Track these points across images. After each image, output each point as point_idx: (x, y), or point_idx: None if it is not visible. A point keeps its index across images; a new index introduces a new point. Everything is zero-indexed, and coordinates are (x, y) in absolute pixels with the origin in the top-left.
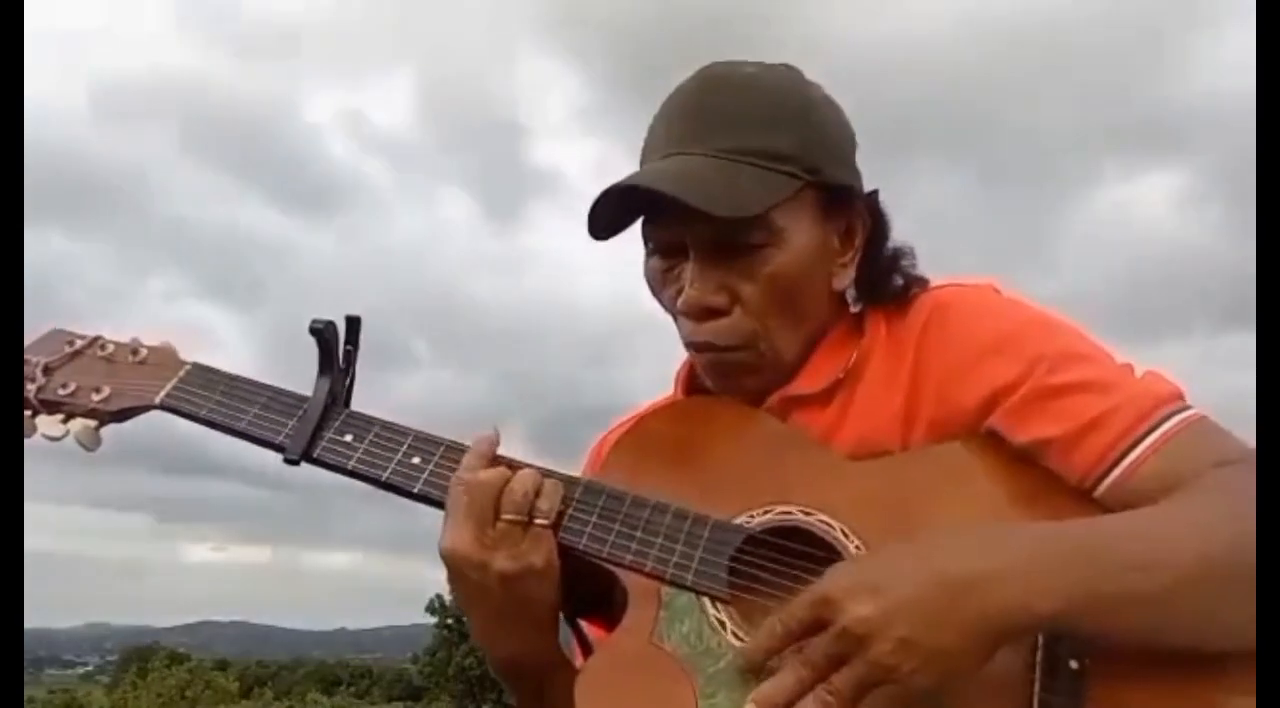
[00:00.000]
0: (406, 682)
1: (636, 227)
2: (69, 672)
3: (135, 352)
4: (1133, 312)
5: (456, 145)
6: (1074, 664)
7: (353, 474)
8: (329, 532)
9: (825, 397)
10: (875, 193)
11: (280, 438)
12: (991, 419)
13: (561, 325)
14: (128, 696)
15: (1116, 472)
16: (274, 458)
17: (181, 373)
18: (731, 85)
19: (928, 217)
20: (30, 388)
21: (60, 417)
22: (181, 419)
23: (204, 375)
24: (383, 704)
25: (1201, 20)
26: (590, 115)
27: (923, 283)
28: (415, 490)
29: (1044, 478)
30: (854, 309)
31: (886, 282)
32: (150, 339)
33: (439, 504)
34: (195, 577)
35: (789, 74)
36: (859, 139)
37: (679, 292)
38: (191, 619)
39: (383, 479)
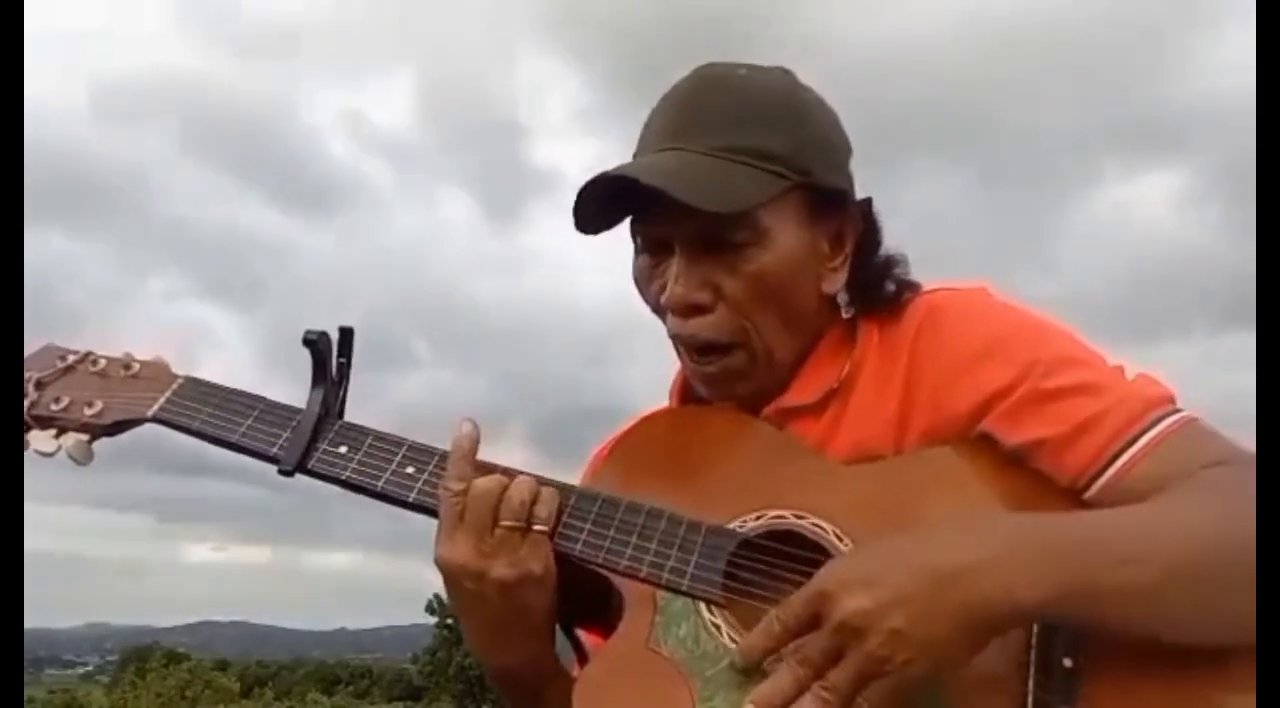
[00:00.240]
0: (406, 682)
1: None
2: (69, 672)
3: (128, 366)
4: (1133, 312)
5: (456, 145)
6: (1068, 663)
7: (347, 485)
8: (329, 532)
9: (819, 407)
10: (869, 200)
11: (274, 450)
12: (985, 422)
13: (561, 325)
14: (127, 696)
15: (1108, 473)
16: None
17: (174, 386)
18: (725, 85)
19: (928, 217)
20: (23, 404)
21: (53, 432)
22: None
23: (197, 388)
24: (383, 704)
25: (1201, 20)
26: (590, 115)
27: (915, 288)
28: (410, 500)
29: (1036, 480)
30: (846, 315)
31: (879, 288)
32: (143, 353)
33: (433, 513)
34: (195, 577)
35: (783, 77)
36: (859, 138)
37: (663, 287)
38: (191, 619)
39: (377, 489)
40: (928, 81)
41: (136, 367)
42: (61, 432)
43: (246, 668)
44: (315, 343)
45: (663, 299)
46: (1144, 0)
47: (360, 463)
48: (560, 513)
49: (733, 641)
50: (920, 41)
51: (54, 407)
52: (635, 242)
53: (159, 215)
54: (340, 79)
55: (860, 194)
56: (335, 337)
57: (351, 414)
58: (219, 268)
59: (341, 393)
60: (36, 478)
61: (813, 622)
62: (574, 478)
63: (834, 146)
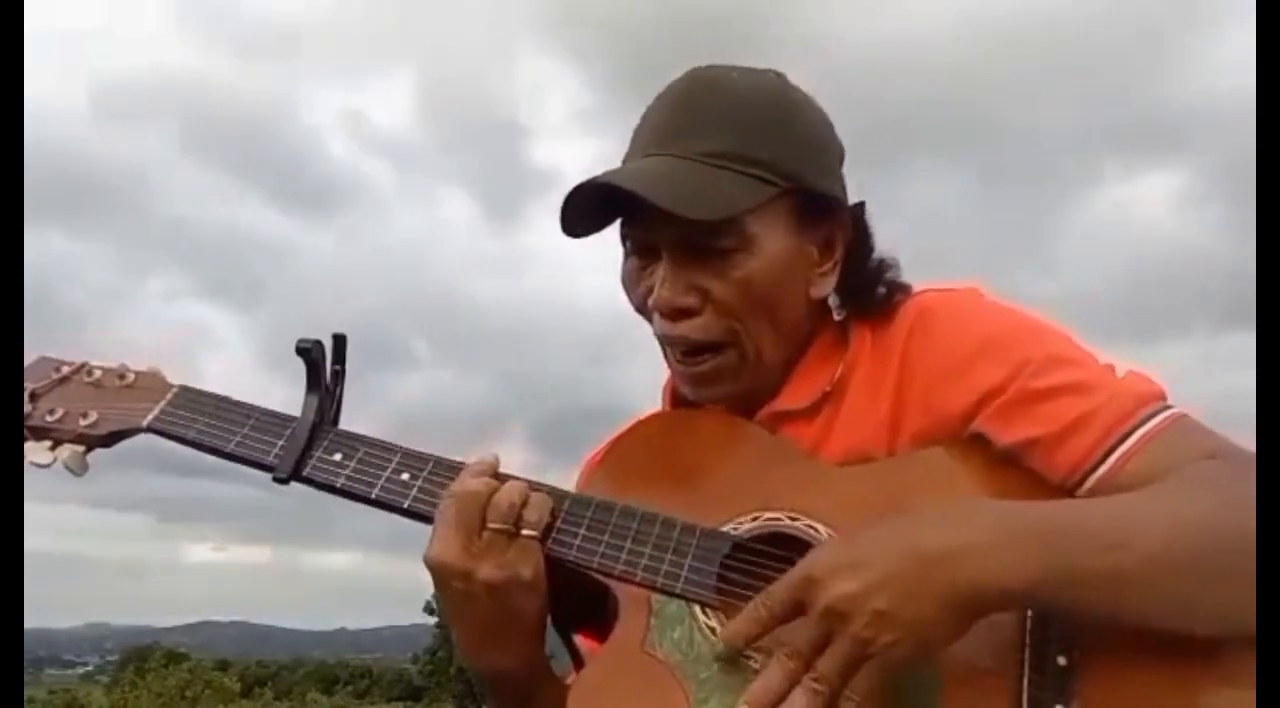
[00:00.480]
0: (406, 682)
1: None
2: (69, 672)
3: (122, 376)
4: (1133, 312)
5: (456, 145)
6: (1062, 660)
7: (342, 492)
8: (329, 532)
9: (812, 411)
10: (861, 205)
11: (269, 458)
12: (977, 422)
13: (561, 325)
14: (127, 696)
15: (1100, 471)
16: None
17: (169, 396)
18: (714, 89)
19: (928, 216)
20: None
21: (48, 443)
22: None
23: (192, 398)
24: (383, 704)
25: (1201, 20)
26: (590, 116)
27: (906, 289)
28: (404, 506)
29: (1029, 479)
30: (838, 317)
31: (870, 292)
32: (138, 363)
33: (428, 520)
34: (195, 577)
35: (775, 81)
36: (859, 138)
37: (650, 290)
38: (192, 619)
39: (372, 497)
40: (928, 81)
41: (131, 377)
42: (57, 443)
43: (246, 668)
44: (309, 351)
45: (650, 302)
46: (1144, 0)
47: (355, 470)
48: (554, 518)
49: None
50: (920, 41)
51: (49, 418)
52: (624, 245)
53: (159, 215)
54: (340, 79)
55: (861, 194)
56: (329, 344)
57: (352, 414)
58: (219, 268)
59: (336, 400)
60: (36, 478)
61: (797, 608)
62: (573, 477)
63: (825, 151)
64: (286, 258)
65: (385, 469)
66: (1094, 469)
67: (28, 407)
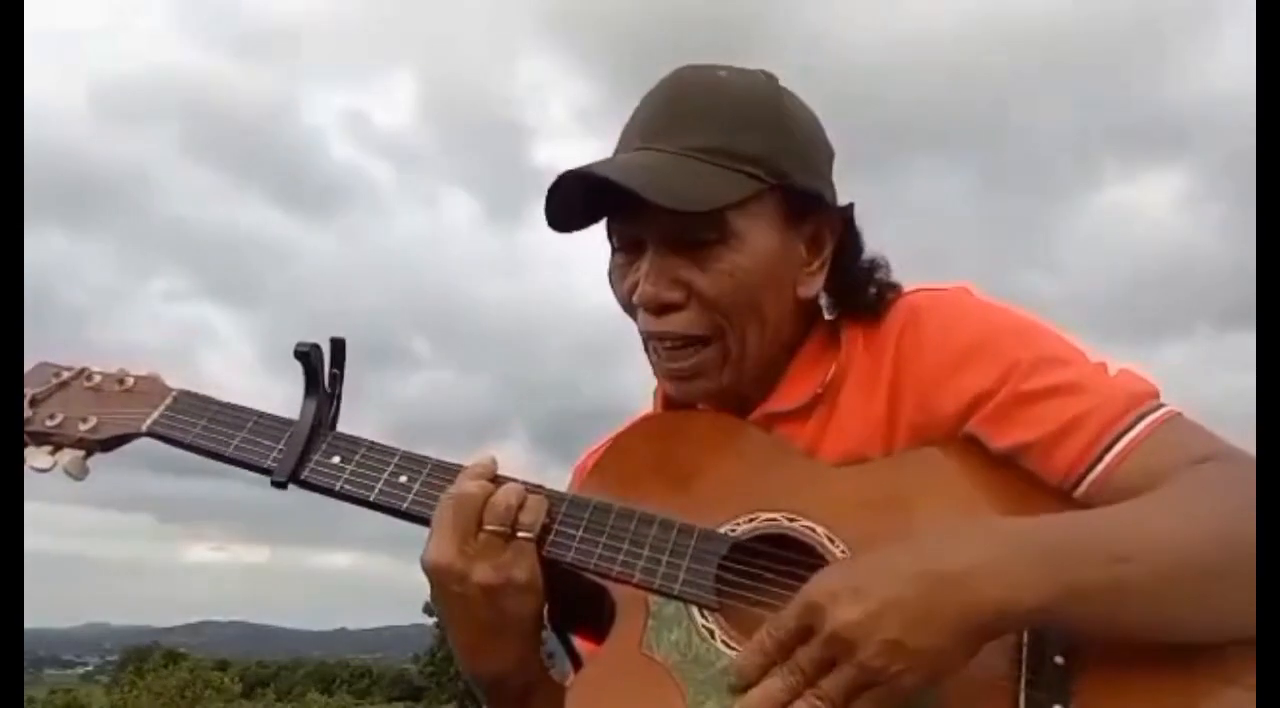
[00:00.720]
0: (407, 682)
1: None
2: (69, 672)
3: (121, 381)
4: (1134, 312)
5: (458, 146)
6: (1059, 661)
7: (341, 495)
8: (329, 532)
9: (806, 411)
10: (850, 206)
11: (268, 462)
12: (970, 425)
13: (561, 326)
14: (127, 696)
15: (1096, 471)
16: None
17: (168, 400)
18: (702, 87)
19: (928, 216)
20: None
21: (48, 448)
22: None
23: (190, 402)
24: (383, 705)
25: (1201, 20)
26: (591, 116)
27: (896, 289)
28: (403, 509)
29: (1025, 479)
30: (829, 318)
31: (861, 292)
32: (137, 369)
33: (426, 522)
34: (195, 577)
35: (764, 80)
36: (860, 137)
37: (635, 285)
38: (192, 619)
39: (370, 499)
40: (928, 81)
41: (130, 381)
42: (57, 448)
43: (246, 668)
44: (307, 355)
45: (634, 297)
46: (1144, 0)
47: (353, 473)
48: (551, 521)
49: (725, 644)
50: (920, 41)
51: (49, 423)
52: (610, 241)
53: (159, 215)
54: (341, 79)
55: (861, 193)
56: (327, 348)
57: (352, 414)
58: (219, 268)
59: (335, 404)
60: (36, 478)
61: (804, 634)
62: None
63: (813, 150)
64: (287, 258)
65: (383, 472)
66: (1089, 471)
67: (28, 412)
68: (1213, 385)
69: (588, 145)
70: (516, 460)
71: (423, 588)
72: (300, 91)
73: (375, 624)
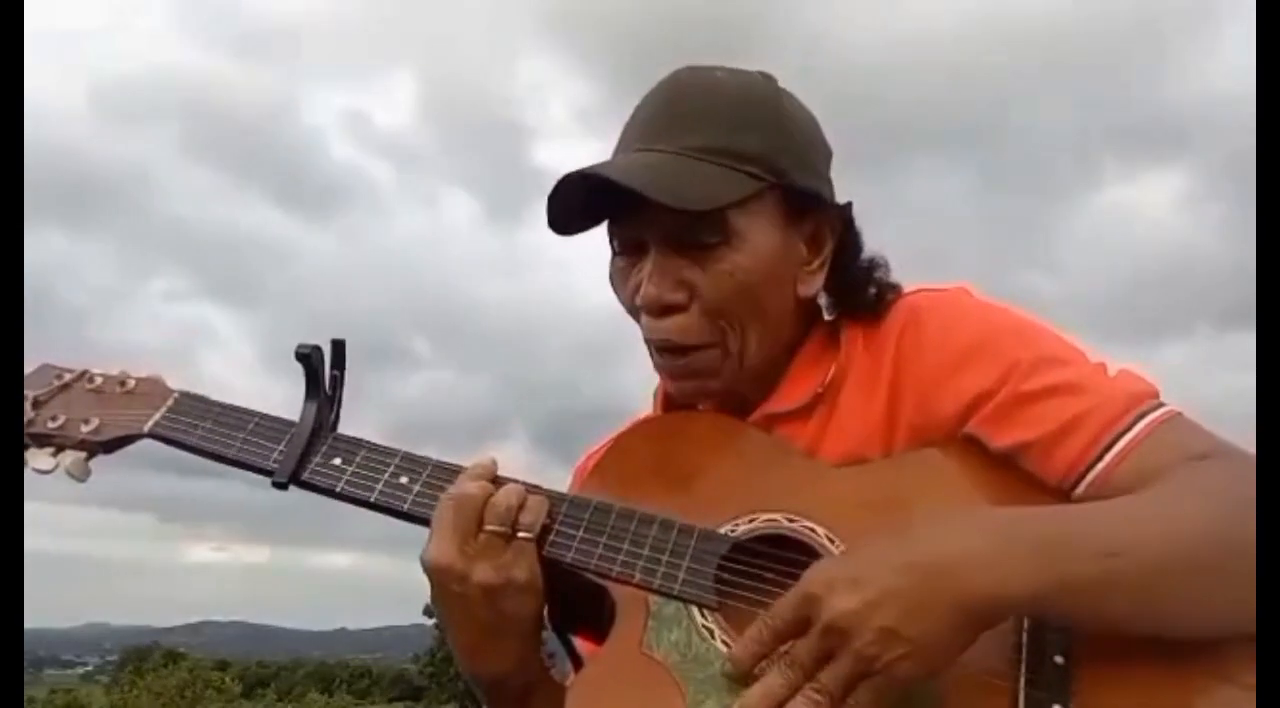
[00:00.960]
0: (407, 682)
1: None
2: (69, 672)
3: (123, 382)
4: (1134, 312)
5: (458, 146)
6: (1059, 659)
7: (341, 496)
8: (329, 532)
9: (806, 411)
10: (849, 205)
11: (269, 463)
12: (970, 425)
13: (561, 326)
14: (127, 696)
15: (1095, 471)
16: None
17: (170, 402)
18: (701, 87)
19: (928, 216)
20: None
21: (50, 450)
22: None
23: (192, 403)
24: (383, 705)
25: (1201, 20)
26: (591, 116)
27: (896, 289)
28: (403, 510)
29: (1025, 480)
30: (829, 318)
31: (861, 292)
32: (138, 370)
33: (426, 523)
34: (196, 577)
35: (762, 81)
36: (861, 137)
37: (638, 288)
38: (192, 619)
39: (371, 500)
40: (928, 81)
41: (132, 383)
42: (59, 450)
43: (247, 668)
44: (308, 356)
45: (637, 299)
46: (1144, 0)
47: (354, 474)
48: (551, 521)
49: (725, 644)
50: (920, 41)
51: (51, 424)
52: (611, 243)
53: (159, 215)
54: (341, 79)
55: (861, 193)
56: (328, 349)
57: (354, 413)
58: (219, 268)
59: (336, 405)
60: (36, 477)
61: (801, 625)
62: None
63: (812, 149)
64: (287, 258)
65: (384, 473)
66: (1089, 470)
67: (30, 413)
68: (1213, 385)
69: (588, 145)
70: (517, 461)
71: (423, 588)
72: (300, 91)
73: (375, 624)
